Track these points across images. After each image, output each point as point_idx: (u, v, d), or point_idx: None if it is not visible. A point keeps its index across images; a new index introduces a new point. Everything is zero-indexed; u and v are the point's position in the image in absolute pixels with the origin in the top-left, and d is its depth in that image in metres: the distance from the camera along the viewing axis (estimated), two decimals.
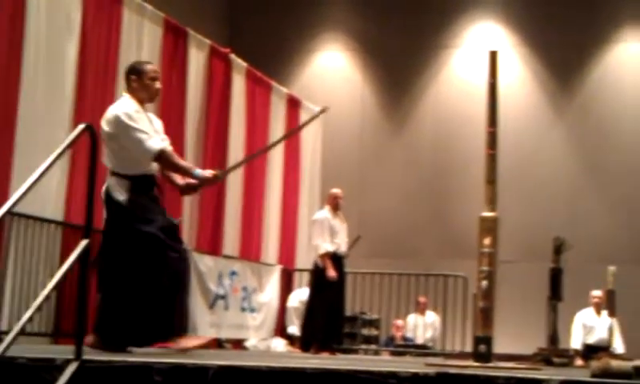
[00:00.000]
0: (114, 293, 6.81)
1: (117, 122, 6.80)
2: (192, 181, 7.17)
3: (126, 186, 6.82)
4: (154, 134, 6.90)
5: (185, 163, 7.33)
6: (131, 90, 7.06)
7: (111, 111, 6.93)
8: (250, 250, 14.32)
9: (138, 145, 6.76)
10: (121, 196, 6.80)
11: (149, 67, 7.19)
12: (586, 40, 18.76)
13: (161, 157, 6.85)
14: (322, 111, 7.64)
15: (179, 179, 7.31)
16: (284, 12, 20.05)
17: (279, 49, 19.65)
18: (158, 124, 7.26)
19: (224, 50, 13.88)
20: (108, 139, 6.86)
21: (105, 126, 6.86)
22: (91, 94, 10.82)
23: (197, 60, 13.16)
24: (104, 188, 6.94)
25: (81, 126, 5.21)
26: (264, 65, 16.08)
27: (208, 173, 7.14)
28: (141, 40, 11.92)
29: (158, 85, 7.16)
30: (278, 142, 7.82)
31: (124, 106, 6.92)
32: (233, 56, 14.06)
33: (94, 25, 10.90)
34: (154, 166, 7.00)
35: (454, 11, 19.57)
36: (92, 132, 5.17)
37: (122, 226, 6.83)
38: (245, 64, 14.50)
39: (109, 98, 11.12)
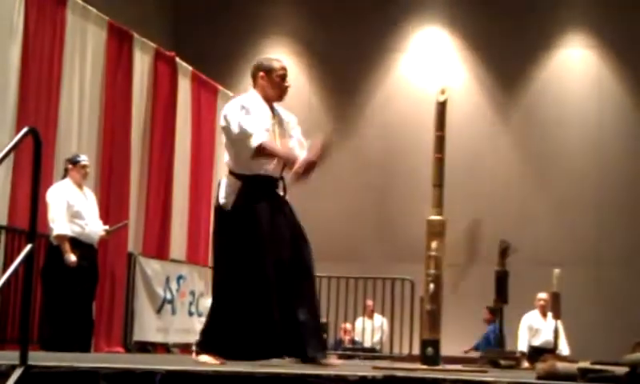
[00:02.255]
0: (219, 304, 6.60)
1: (226, 114, 6.57)
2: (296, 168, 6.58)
3: (237, 188, 6.54)
4: (260, 130, 6.47)
5: (283, 150, 6.64)
6: (259, 87, 6.74)
7: (227, 104, 6.72)
8: (197, 254, 14.27)
9: (242, 139, 6.44)
10: (225, 199, 6.54)
11: (278, 64, 6.82)
12: (529, 45, 18.92)
13: (260, 152, 6.42)
14: None
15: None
16: (230, 15, 20.01)
17: (225, 52, 19.59)
18: (292, 119, 6.94)
19: (169, 54, 13.83)
20: (223, 134, 6.65)
21: (221, 120, 6.66)
22: (35, 97, 10.72)
23: (142, 63, 13.10)
24: (217, 188, 6.68)
25: (24, 130, 5.14)
26: (210, 68, 16.05)
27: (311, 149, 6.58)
28: (85, 43, 11.84)
29: (287, 83, 6.79)
30: None
31: (240, 98, 6.69)
32: (178, 59, 14.02)
33: (37, 28, 10.81)
34: (274, 167, 6.64)
35: (400, 16, 19.64)
36: (36, 135, 5.10)
37: (223, 232, 6.58)
38: (190, 68, 14.47)
39: (53, 102, 11.06)
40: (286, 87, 6.82)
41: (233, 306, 6.44)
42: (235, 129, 6.48)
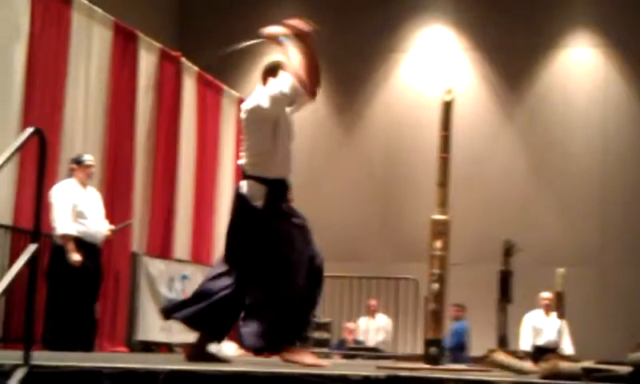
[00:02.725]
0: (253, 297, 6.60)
1: (250, 105, 6.65)
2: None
3: (263, 192, 6.58)
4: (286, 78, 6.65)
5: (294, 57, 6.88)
6: None
7: (251, 100, 6.74)
8: (202, 254, 14.27)
9: (277, 94, 6.58)
10: (257, 201, 6.57)
11: None
12: (534, 44, 18.91)
13: (301, 83, 6.65)
14: None
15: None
16: (234, 15, 20.01)
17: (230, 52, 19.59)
18: None
19: (174, 54, 13.84)
20: (247, 131, 6.68)
21: (244, 114, 6.68)
22: (40, 97, 10.73)
23: (147, 63, 13.10)
24: (237, 192, 6.72)
25: (29, 130, 5.15)
26: (215, 68, 16.04)
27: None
28: (90, 43, 11.85)
29: None
30: None
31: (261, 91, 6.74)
32: (183, 60, 14.03)
33: (43, 28, 10.81)
34: (289, 170, 6.78)
35: (405, 15, 19.64)
36: (41, 136, 5.11)
37: (260, 230, 6.58)
38: (195, 68, 14.47)
39: (58, 102, 11.06)
40: None
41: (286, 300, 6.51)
42: (268, 99, 6.60)
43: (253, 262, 6.62)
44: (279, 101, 6.60)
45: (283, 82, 6.62)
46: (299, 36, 6.83)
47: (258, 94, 6.74)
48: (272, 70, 6.89)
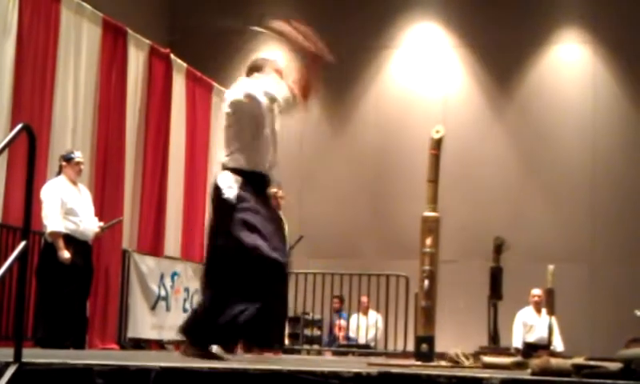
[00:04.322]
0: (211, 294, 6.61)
1: (249, 91, 6.66)
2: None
3: (237, 182, 6.55)
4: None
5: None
6: None
7: (234, 93, 6.75)
8: (192, 251, 14.26)
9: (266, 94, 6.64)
10: (229, 192, 6.55)
11: (273, 65, 6.99)
12: (524, 41, 18.91)
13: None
14: None
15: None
16: (223, 11, 19.98)
17: (220, 48, 19.57)
18: None
19: (164, 50, 13.83)
20: (227, 123, 6.67)
21: (227, 107, 6.69)
22: (29, 93, 10.71)
23: (136, 60, 13.09)
24: (213, 184, 6.72)
25: (19, 126, 5.13)
26: (204, 64, 16.02)
27: None
28: (79, 40, 11.82)
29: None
30: None
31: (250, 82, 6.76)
32: (173, 56, 14.01)
33: (32, 24, 10.79)
34: (268, 165, 6.78)
35: (394, 11, 19.61)
36: (30, 132, 5.09)
37: (226, 224, 6.51)
38: (185, 64, 14.45)
39: (47, 98, 11.04)
40: None
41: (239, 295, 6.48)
42: (253, 95, 6.62)
43: (215, 252, 6.63)
44: (264, 101, 6.63)
45: (277, 88, 6.65)
46: (313, 57, 6.90)
47: (242, 86, 6.72)
48: (257, 69, 6.91)
